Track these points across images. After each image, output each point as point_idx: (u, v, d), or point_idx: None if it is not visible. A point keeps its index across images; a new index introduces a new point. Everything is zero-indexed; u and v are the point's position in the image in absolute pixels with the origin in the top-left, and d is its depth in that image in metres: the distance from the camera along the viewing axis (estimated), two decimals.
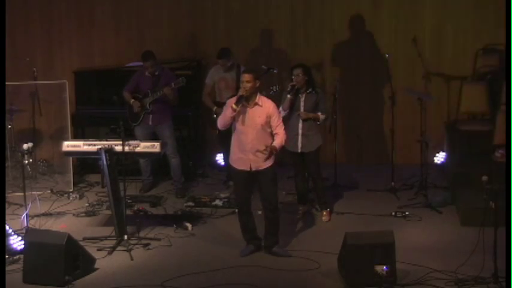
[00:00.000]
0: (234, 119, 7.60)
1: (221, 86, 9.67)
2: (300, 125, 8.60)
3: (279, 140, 7.60)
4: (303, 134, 8.61)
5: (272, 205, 7.69)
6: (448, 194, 9.29)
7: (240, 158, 7.65)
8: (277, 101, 10.25)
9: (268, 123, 7.60)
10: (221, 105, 9.62)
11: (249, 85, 7.50)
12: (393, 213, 8.85)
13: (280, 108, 8.50)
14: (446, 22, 10.73)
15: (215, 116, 9.62)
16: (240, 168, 7.65)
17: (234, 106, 7.49)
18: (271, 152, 7.53)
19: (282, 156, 10.29)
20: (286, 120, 8.67)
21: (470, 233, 7.75)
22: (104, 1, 11.26)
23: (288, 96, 8.54)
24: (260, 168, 7.61)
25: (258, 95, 7.64)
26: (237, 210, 8.05)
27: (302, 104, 8.60)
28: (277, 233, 7.78)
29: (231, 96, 9.59)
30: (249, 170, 7.61)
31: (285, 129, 7.72)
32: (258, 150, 7.53)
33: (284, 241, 8.05)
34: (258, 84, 7.61)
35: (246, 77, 7.52)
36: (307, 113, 8.58)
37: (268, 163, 7.62)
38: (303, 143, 8.63)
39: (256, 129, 7.57)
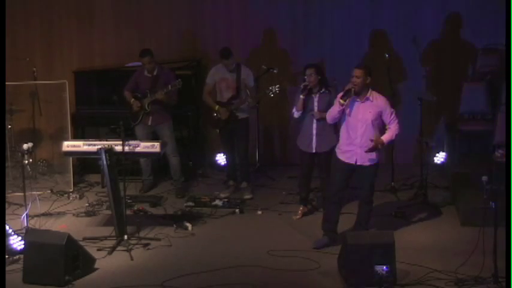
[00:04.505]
0: (343, 113, 7.68)
1: (222, 86, 9.62)
2: (314, 125, 8.50)
3: (388, 135, 7.70)
4: (317, 134, 8.50)
5: (368, 198, 7.93)
6: (448, 194, 9.29)
7: (347, 151, 7.77)
8: (278, 100, 10.29)
9: (379, 119, 7.70)
10: (222, 105, 9.59)
11: (358, 80, 7.59)
12: (393, 213, 8.85)
13: (294, 109, 8.48)
14: (446, 22, 10.72)
15: (215, 115, 9.59)
16: (347, 161, 7.76)
17: (341, 101, 7.57)
18: (376, 144, 7.60)
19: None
20: (300, 121, 8.64)
21: (470, 233, 7.74)
22: (104, 1, 11.24)
23: (301, 96, 8.47)
24: (365, 164, 7.75)
25: (370, 90, 7.70)
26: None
27: (316, 104, 8.50)
28: (367, 224, 7.96)
29: (232, 97, 9.61)
30: (354, 163, 7.75)
31: (398, 123, 7.74)
32: (366, 145, 7.64)
33: (284, 241, 8.07)
34: (368, 81, 7.67)
35: (356, 71, 7.60)
36: (321, 113, 8.43)
37: (374, 160, 7.75)
38: (317, 143, 8.52)
39: (366, 124, 7.66)
